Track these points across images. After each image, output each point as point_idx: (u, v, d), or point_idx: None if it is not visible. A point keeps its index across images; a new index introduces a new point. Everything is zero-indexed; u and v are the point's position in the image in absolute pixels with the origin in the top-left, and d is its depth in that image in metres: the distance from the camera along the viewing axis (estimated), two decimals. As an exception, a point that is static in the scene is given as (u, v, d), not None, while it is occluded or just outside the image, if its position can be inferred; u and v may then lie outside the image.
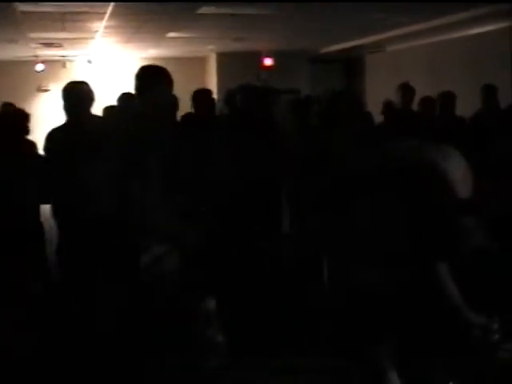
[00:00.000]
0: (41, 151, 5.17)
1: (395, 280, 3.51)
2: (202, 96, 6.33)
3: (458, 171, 3.56)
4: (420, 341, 3.41)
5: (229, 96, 6.76)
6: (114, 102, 6.27)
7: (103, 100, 6.13)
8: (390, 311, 3.39)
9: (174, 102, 5.90)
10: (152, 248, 3.73)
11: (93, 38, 11.76)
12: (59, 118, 5.18)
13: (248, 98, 5.93)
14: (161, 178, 3.88)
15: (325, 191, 4.14)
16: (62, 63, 15.68)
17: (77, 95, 4.91)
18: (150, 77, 4.17)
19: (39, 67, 15.11)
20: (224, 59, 15.46)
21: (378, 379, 3.05)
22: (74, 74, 14.69)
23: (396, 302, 3.44)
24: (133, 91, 4.30)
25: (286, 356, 3.39)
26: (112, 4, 8.28)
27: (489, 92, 7.46)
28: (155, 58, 13.52)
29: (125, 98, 6.18)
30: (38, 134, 5.25)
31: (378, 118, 6.97)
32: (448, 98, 7.16)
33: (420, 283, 3.50)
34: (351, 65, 16.08)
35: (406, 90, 7.40)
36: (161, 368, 3.45)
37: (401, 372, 3.05)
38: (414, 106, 7.05)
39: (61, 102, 4.94)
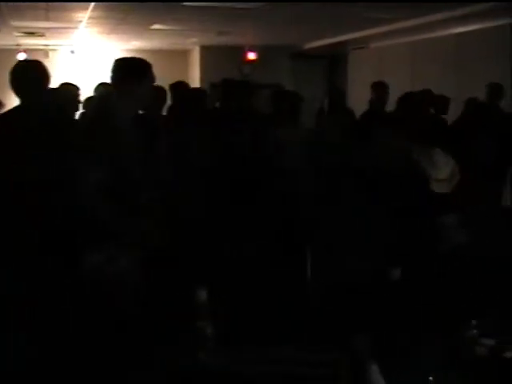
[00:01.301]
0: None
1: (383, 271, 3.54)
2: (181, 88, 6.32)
3: (444, 172, 3.60)
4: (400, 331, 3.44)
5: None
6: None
7: (85, 91, 6.11)
8: (377, 302, 3.41)
9: (162, 96, 5.86)
10: (106, 247, 3.56)
11: (76, 28, 11.67)
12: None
13: (228, 91, 5.90)
14: (126, 177, 3.66)
15: (321, 188, 4.14)
16: (44, 53, 15.49)
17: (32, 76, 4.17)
18: (135, 72, 3.77)
19: (21, 56, 14.95)
20: (207, 52, 15.42)
21: (360, 372, 3.07)
22: (56, 63, 14.56)
23: (385, 292, 3.47)
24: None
25: (276, 346, 3.39)
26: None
27: (494, 90, 7.51)
28: (138, 50, 13.43)
29: (102, 88, 6.14)
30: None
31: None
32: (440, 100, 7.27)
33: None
34: (335, 61, 16.08)
35: (379, 88, 7.48)
36: (148, 364, 3.41)
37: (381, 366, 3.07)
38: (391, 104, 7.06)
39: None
